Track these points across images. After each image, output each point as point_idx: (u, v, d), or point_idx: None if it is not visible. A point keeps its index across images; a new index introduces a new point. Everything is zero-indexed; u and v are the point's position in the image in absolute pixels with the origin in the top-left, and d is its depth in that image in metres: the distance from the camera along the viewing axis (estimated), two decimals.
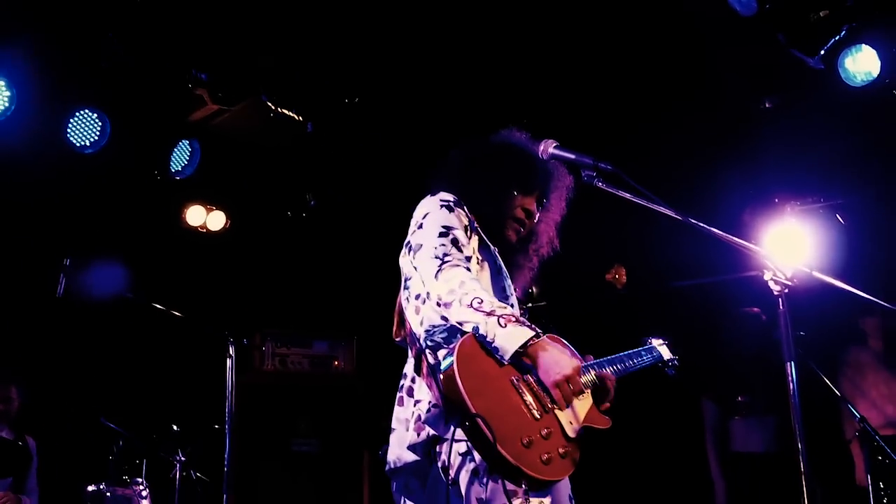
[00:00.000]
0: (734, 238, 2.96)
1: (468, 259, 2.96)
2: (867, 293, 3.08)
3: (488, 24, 5.61)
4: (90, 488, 5.85)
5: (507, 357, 2.74)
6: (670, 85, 6.00)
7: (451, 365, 2.68)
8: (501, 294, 3.06)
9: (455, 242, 2.94)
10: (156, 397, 6.91)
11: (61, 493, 6.50)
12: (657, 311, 6.91)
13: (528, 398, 2.75)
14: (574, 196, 3.35)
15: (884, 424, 5.64)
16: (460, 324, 2.79)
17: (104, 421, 6.12)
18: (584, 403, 2.93)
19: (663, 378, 3.66)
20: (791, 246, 6.06)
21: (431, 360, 2.88)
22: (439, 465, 2.79)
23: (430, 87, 6.15)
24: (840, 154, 6.25)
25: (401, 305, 3.13)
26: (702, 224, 2.95)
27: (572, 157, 3.13)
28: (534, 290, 3.68)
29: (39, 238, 6.51)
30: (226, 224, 7.34)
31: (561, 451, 2.72)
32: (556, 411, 2.79)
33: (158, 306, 5.35)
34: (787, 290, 2.90)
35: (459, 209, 3.08)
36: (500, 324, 2.74)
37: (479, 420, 2.57)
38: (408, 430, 2.88)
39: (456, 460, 2.75)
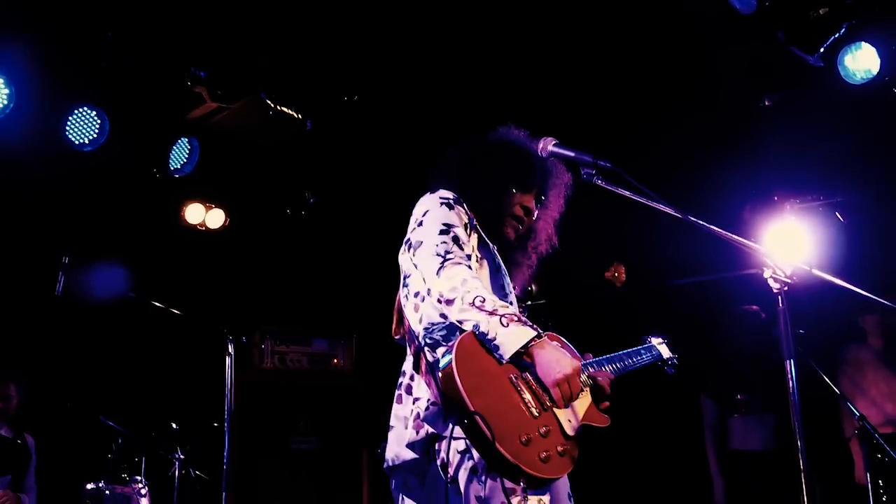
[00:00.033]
0: (733, 236, 2.95)
1: (468, 257, 2.96)
2: (867, 291, 3.08)
3: (488, 23, 5.61)
4: (89, 486, 5.86)
5: (507, 356, 2.74)
6: (670, 83, 6.00)
7: (449, 363, 2.68)
8: (500, 292, 3.06)
9: (456, 240, 2.94)
10: (155, 395, 6.91)
11: (60, 491, 6.49)
12: (656, 308, 6.92)
13: (527, 396, 2.75)
14: (573, 194, 3.35)
15: (883, 422, 5.64)
16: (461, 322, 2.79)
17: (103, 419, 6.12)
18: (583, 401, 2.93)
19: (662, 376, 3.66)
20: (790, 243, 6.06)
21: (430, 358, 2.88)
22: (438, 462, 2.79)
23: (430, 85, 6.14)
24: (839, 152, 6.25)
25: (400, 303, 3.13)
26: (701, 222, 2.95)
27: (571, 154, 3.12)
28: (533, 288, 3.67)
29: (38, 236, 6.51)
30: (225, 222, 7.34)
31: (559, 449, 2.72)
32: (555, 409, 2.79)
33: (157, 304, 5.34)
34: (786, 288, 2.89)
35: (459, 207, 3.07)
36: (502, 323, 2.74)
37: (477, 418, 2.57)
38: (406, 427, 2.88)
39: (455, 458, 2.76)
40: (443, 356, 2.74)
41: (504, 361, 2.75)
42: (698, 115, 6.19)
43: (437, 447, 2.80)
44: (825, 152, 6.29)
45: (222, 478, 4.94)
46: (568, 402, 2.79)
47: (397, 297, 3.16)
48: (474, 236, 3.08)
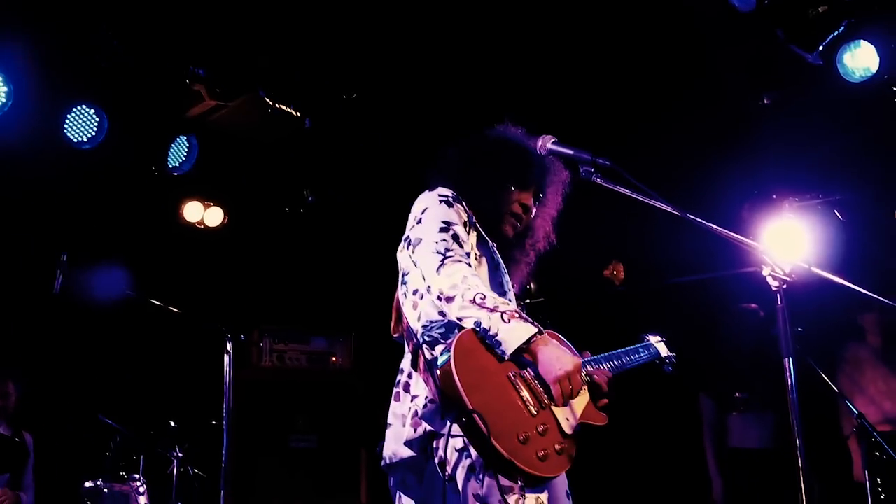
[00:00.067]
0: (732, 234, 2.95)
1: (468, 255, 2.96)
2: (865, 289, 3.08)
3: (488, 21, 5.60)
4: (87, 484, 5.85)
5: (509, 352, 2.74)
6: (669, 80, 5.99)
7: (448, 360, 2.68)
8: (499, 289, 3.06)
9: (456, 238, 2.94)
10: (153, 393, 6.91)
11: (58, 489, 6.50)
12: (655, 307, 6.91)
13: (525, 394, 2.75)
14: (572, 192, 3.35)
15: (881, 420, 5.63)
16: (461, 319, 2.79)
17: (101, 417, 6.11)
18: (580, 400, 2.93)
19: (661, 374, 3.66)
20: (789, 242, 6.06)
21: (428, 356, 2.88)
22: (436, 460, 2.79)
23: (429, 83, 6.14)
24: (838, 150, 6.25)
25: (398, 301, 3.13)
26: (700, 220, 2.95)
27: (570, 152, 3.12)
28: (531, 286, 3.68)
29: (36, 234, 6.50)
30: (223, 220, 7.34)
31: (557, 447, 2.72)
32: (553, 408, 2.79)
33: (156, 302, 5.33)
34: (785, 286, 2.89)
35: (458, 204, 3.07)
36: (503, 319, 2.74)
37: (475, 416, 2.57)
38: (404, 425, 2.88)
39: (452, 456, 2.75)
40: (441, 354, 2.74)
41: (506, 358, 2.75)
42: (697, 113, 6.18)
43: (434, 445, 2.80)
44: (824, 150, 6.28)
45: (221, 476, 4.93)
46: (568, 399, 2.78)
47: (396, 295, 3.15)
48: (473, 234, 3.08)
